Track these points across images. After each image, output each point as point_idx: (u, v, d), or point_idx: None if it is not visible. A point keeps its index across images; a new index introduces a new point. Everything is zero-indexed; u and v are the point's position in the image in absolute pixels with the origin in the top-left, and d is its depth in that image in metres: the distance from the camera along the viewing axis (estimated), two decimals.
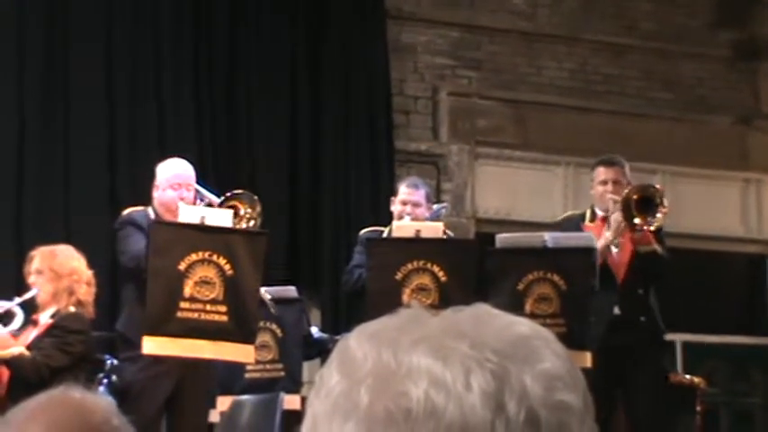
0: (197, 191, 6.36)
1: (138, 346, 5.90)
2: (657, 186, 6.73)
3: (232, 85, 9.34)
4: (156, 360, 5.82)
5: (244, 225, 6.10)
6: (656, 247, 6.55)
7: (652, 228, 6.46)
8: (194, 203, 6.20)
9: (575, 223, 6.82)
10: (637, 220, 6.45)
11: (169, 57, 9.13)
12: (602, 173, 6.76)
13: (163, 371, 5.94)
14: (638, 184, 6.64)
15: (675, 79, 10.88)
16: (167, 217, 6.13)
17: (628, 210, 6.45)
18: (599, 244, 6.46)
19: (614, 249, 6.55)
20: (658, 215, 6.43)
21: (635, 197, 6.48)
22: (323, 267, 9.33)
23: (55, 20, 8.86)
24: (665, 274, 6.76)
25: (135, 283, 6.13)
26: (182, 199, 6.16)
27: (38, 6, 8.82)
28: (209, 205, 6.25)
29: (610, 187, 6.66)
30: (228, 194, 6.31)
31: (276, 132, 9.39)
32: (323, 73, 9.61)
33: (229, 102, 9.31)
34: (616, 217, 6.52)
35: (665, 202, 6.49)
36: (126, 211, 6.36)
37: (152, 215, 6.23)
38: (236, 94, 9.34)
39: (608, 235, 6.53)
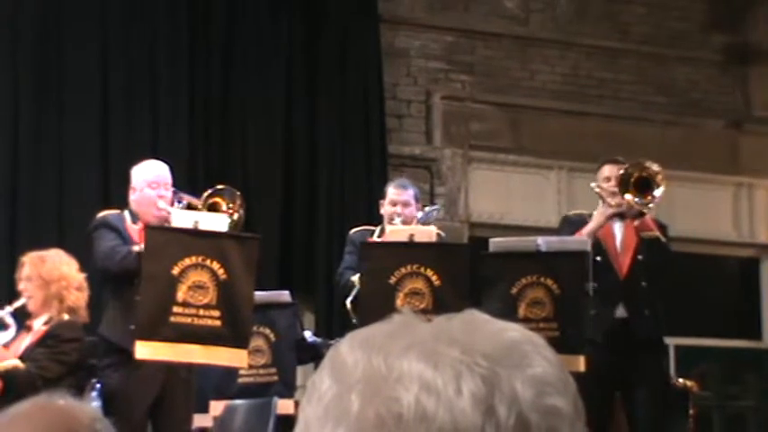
0: (175, 191, 6.29)
1: (119, 349, 5.89)
2: (657, 170, 6.65)
3: (227, 90, 9.33)
4: (138, 366, 5.77)
5: (228, 220, 6.07)
6: (659, 234, 6.54)
7: (642, 206, 6.46)
8: (172, 204, 6.17)
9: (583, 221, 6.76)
10: (628, 196, 6.45)
11: (164, 57, 9.12)
12: (606, 171, 6.71)
13: (146, 377, 5.88)
14: (640, 163, 6.59)
15: (668, 83, 10.88)
16: (146, 218, 6.07)
17: (625, 184, 6.45)
18: (590, 225, 6.48)
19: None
20: (656, 193, 6.44)
21: (636, 174, 6.48)
22: (317, 271, 9.32)
23: (48, 24, 8.84)
24: (669, 263, 6.69)
25: (111, 284, 6.11)
26: (161, 197, 6.12)
27: (31, 11, 8.81)
28: (189, 206, 6.21)
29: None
30: (209, 191, 6.26)
31: (270, 137, 9.38)
32: (317, 77, 9.61)
33: (223, 107, 9.31)
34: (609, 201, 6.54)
35: (662, 187, 6.49)
36: (101, 214, 6.26)
37: (127, 218, 6.17)
38: (231, 98, 9.33)
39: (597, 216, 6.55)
